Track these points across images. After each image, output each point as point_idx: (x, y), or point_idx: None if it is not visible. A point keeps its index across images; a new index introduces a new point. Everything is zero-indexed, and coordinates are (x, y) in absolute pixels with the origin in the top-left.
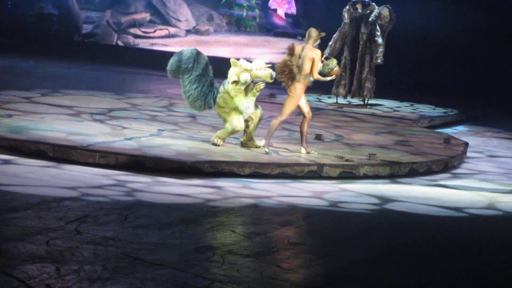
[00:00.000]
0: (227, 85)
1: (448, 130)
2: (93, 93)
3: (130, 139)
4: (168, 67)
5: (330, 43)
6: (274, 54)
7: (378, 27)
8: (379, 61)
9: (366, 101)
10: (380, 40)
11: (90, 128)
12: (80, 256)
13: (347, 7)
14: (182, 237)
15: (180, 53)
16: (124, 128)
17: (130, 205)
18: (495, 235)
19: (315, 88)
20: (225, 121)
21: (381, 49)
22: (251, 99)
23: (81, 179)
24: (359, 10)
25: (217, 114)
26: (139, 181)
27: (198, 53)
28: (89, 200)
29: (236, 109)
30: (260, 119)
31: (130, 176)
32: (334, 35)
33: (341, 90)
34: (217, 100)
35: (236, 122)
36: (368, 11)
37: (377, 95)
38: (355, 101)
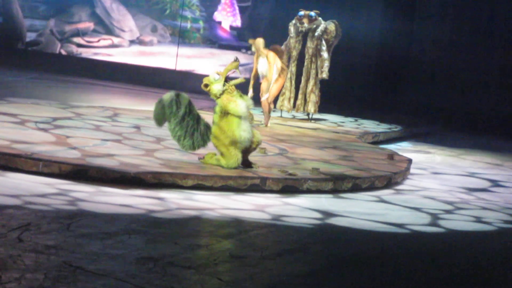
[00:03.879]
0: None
1: (392, 146)
2: (38, 102)
3: (74, 148)
4: (154, 116)
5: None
6: (218, 66)
7: (324, 42)
8: (324, 75)
9: (310, 116)
10: (325, 54)
11: (34, 137)
12: (22, 264)
13: (293, 21)
14: (124, 248)
15: (161, 99)
16: (68, 137)
17: (72, 214)
18: (437, 252)
19: (259, 101)
20: (221, 154)
21: (326, 64)
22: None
23: (24, 187)
24: (305, 25)
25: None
26: (82, 191)
27: (178, 94)
28: (32, 209)
29: (235, 142)
30: (256, 146)
31: (73, 185)
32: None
33: (286, 104)
34: (213, 130)
35: (233, 161)
36: (315, 26)
37: (321, 110)
38: (300, 115)
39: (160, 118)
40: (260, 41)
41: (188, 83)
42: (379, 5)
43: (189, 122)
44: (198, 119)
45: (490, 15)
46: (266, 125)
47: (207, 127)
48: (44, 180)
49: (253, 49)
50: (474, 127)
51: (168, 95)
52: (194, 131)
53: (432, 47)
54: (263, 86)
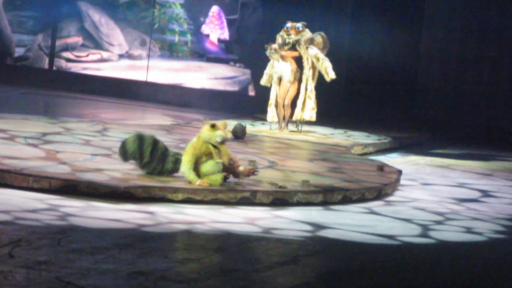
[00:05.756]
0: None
1: (382, 158)
2: (27, 117)
3: (64, 163)
4: (119, 154)
5: (265, 70)
6: (206, 79)
7: (314, 46)
8: (331, 75)
9: (300, 128)
10: (321, 55)
11: (24, 152)
12: (13, 280)
13: (281, 32)
14: (115, 262)
15: (124, 145)
16: (58, 152)
17: (63, 229)
18: (428, 262)
19: (249, 114)
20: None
21: (327, 64)
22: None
23: (15, 203)
24: (293, 36)
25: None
26: (72, 206)
27: (140, 138)
28: (22, 224)
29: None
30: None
31: (64, 201)
32: (269, 63)
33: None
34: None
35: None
36: (302, 37)
37: (312, 122)
38: (289, 127)
39: (124, 157)
40: (277, 46)
41: (176, 96)
42: (377, 15)
43: (155, 166)
44: (164, 156)
45: (499, 25)
46: (280, 130)
47: (176, 159)
48: (34, 196)
49: (267, 53)
50: (471, 139)
51: (130, 144)
52: (160, 171)
53: (439, 59)
54: (286, 91)
